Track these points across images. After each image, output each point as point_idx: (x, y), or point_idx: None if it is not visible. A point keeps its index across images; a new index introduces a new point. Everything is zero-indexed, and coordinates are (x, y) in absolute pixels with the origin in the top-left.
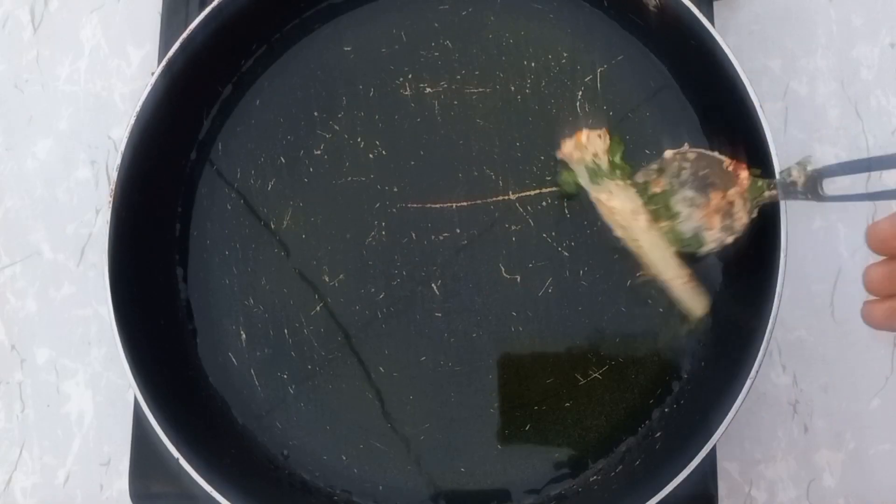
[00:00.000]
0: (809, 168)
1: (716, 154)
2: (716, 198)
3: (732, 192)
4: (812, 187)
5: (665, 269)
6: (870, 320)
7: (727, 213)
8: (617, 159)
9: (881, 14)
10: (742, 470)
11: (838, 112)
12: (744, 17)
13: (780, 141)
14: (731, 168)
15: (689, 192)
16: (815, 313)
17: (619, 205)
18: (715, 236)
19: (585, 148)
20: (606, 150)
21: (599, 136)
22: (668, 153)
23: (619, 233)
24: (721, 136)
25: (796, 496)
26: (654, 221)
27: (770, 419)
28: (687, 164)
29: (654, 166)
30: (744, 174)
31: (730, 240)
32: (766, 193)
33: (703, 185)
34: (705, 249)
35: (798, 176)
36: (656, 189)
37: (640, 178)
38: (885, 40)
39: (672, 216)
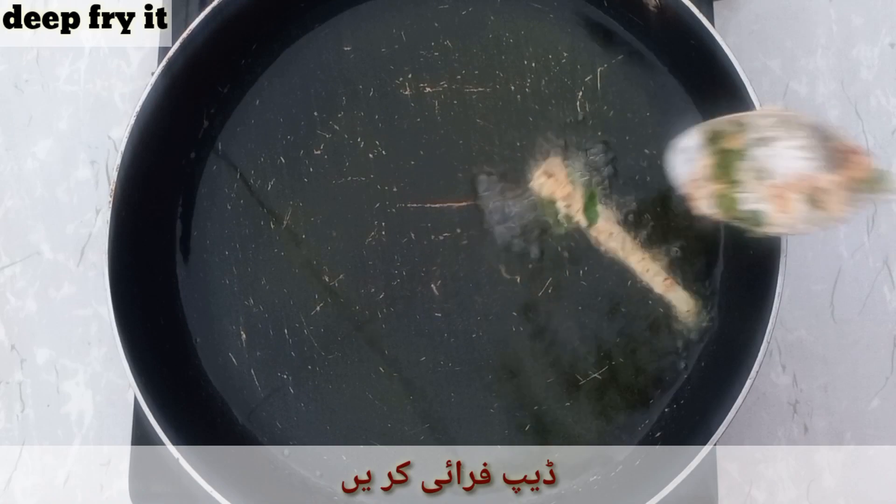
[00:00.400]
0: None
1: (834, 129)
2: (803, 179)
3: (830, 178)
4: None
5: (642, 279)
6: None
7: (812, 199)
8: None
9: (881, 14)
10: (742, 470)
11: (838, 112)
12: (744, 17)
13: None
14: (845, 152)
15: (760, 165)
16: (815, 313)
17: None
18: (784, 220)
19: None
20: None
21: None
22: (771, 107)
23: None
24: None
25: (796, 496)
26: (709, 180)
27: (770, 419)
28: (780, 130)
29: (737, 118)
30: (865, 161)
31: (808, 230)
32: (892, 188)
33: (787, 160)
34: (763, 230)
35: None
36: (727, 145)
37: (713, 125)
38: (885, 40)
39: (729, 182)
